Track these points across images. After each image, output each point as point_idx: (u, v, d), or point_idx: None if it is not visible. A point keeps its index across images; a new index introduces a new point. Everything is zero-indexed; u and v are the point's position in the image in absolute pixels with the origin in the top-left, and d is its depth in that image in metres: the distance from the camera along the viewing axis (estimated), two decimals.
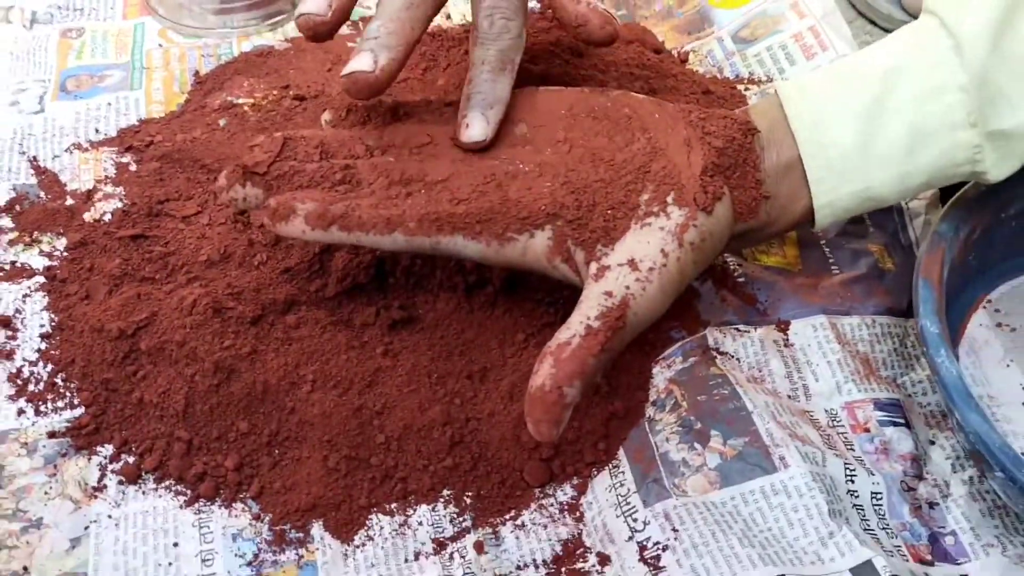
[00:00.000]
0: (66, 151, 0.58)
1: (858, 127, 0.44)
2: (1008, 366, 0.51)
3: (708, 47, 0.64)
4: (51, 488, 0.44)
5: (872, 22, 0.70)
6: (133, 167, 0.57)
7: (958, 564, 0.43)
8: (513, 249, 0.43)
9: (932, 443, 0.47)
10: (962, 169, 0.44)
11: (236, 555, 0.43)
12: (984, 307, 0.53)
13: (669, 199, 0.42)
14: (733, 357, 0.48)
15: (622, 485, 0.44)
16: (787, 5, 0.62)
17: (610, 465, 0.45)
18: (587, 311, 0.40)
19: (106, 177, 0.57)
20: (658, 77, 0.59)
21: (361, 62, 0.43)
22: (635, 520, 0.42)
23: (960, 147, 0.43)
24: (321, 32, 0.45)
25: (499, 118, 0.45)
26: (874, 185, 0.44)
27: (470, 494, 0.45)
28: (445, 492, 0.45)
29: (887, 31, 0.69)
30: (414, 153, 0.45)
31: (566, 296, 0.49)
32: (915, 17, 0.66)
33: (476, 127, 0.45)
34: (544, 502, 0.45)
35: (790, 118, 0.45)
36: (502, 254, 0.43)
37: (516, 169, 0.44)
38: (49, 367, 0.48)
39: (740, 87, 0.61)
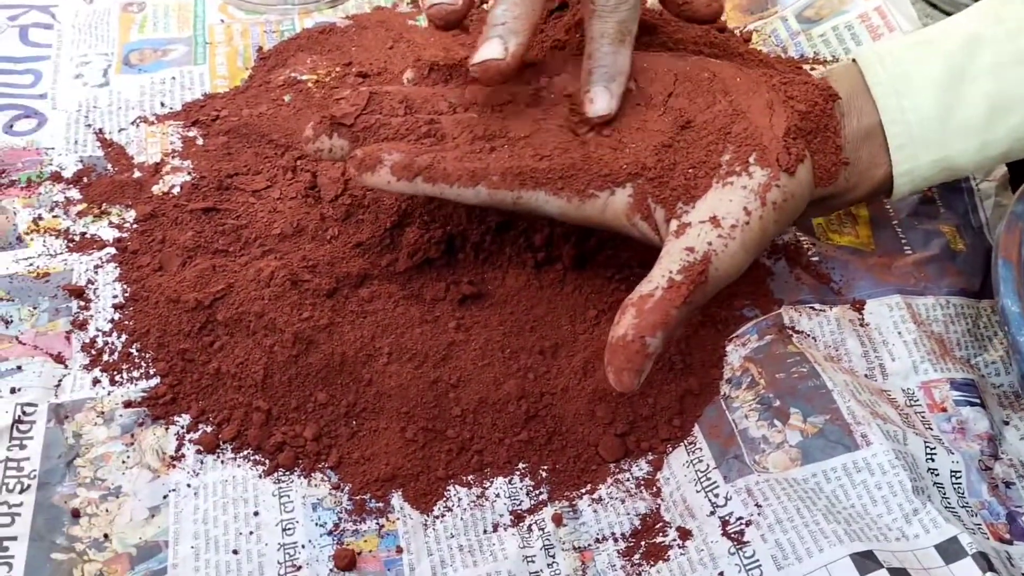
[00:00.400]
0: (132, 124, 0.58)
1: (938, 95, 0.44)
2: None
3: (772, 26, 0.63)
4: (129, 457, 0.45)
5: (934, 5, 0.70)
6: (200, 141, 0.57)
7: None
8: (593, 206, 0.43)
9: (1006, 423, 0.47)
10: None
11: (317, 524, 0.43)
12: None
13: (751, 159, 0.42)
14: (809, 336, 0.48)
15: (700, 461, 0.44)
16: None
17: (686, 441, 0.45)
18: (669, 265, 0.40)
19: (173, 151, 0.57)
20: (724, 55, 0.58)
21: (491, 50, 0.42)
22: (716, 495, 0.42)
23: None
24: (452, 20, 0.44)
25: (622, 90, 0.45)
26: (953, 154, 0.44)
27: (546, 468, 0.45)
28: (521, 465, 0.45)
29: (948, 15, 0.68)
30: (496, 111, 0.45)
31: (636, 274, 0.49)
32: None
33: (601, 101, 0.44)
34: (620, 477, 0.45)
35: (871, 85, 0.45)
36: (582, 211, 0.43)
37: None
38: (123, 337, 0.48)
39: (805, 67, 0.60)
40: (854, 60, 0.46)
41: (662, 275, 0.40)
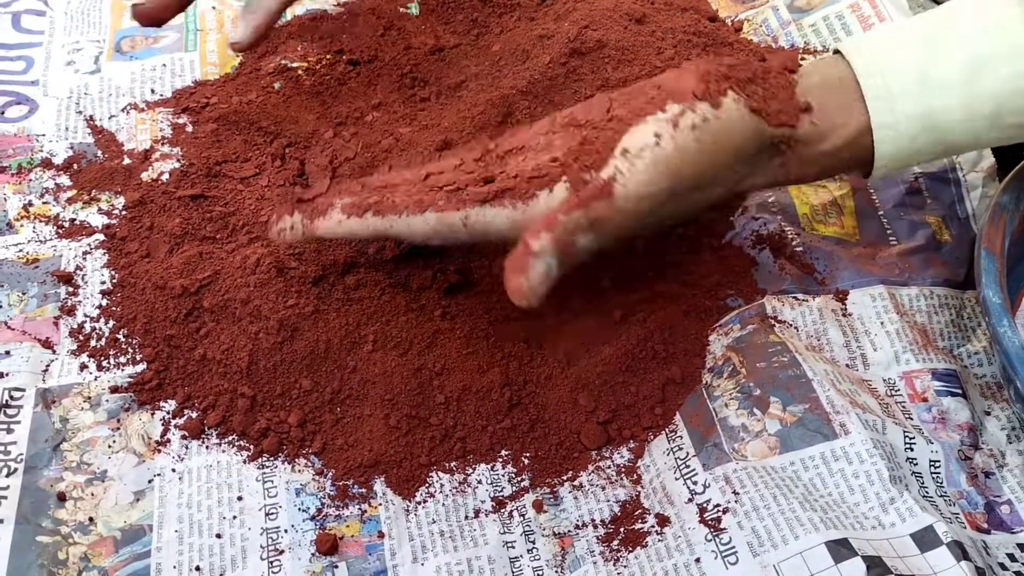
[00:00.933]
0: (122, 111, 0.59)
1: (916, 53, 0.43)
2: None
3: (763, 16, 0.63)
4: (115, 442, 0.45)
5: None
6: (189, 128, 0.57)
7: (1013, 533, 0.43)
8: (537, 206, 0.42)
9: (988, 414, 0.48)
10: None
11: (300, 509, 0.43)
12: None
13: (668, 102, 0.41)
14: (791, 325, 0.48)
15: (680, 449, 0.44)
16: None
17: (667, 429, 0.46)
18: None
19: (163, 138, 0.57)
20: (714, 45, 0.58)
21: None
22: (695, 483, 0.43)
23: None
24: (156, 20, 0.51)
25: (258, 22, 0.54)
26: (937, 110, 0.43)
27: (528, 455, 0.45)
28: (503, 452, 0.46)
29: (940, 3, 0.68)
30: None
31: (619, 264, 0.50)
32: None
33: (239, 29, 0.54)
34: (601, 464, 0.45)
35: (845, 51, 0.44)
36: (528, 214, 0.42)
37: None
38: (111, 323, 0.49)
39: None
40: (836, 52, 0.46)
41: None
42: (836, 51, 0.45)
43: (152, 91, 0.60)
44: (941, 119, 0.43)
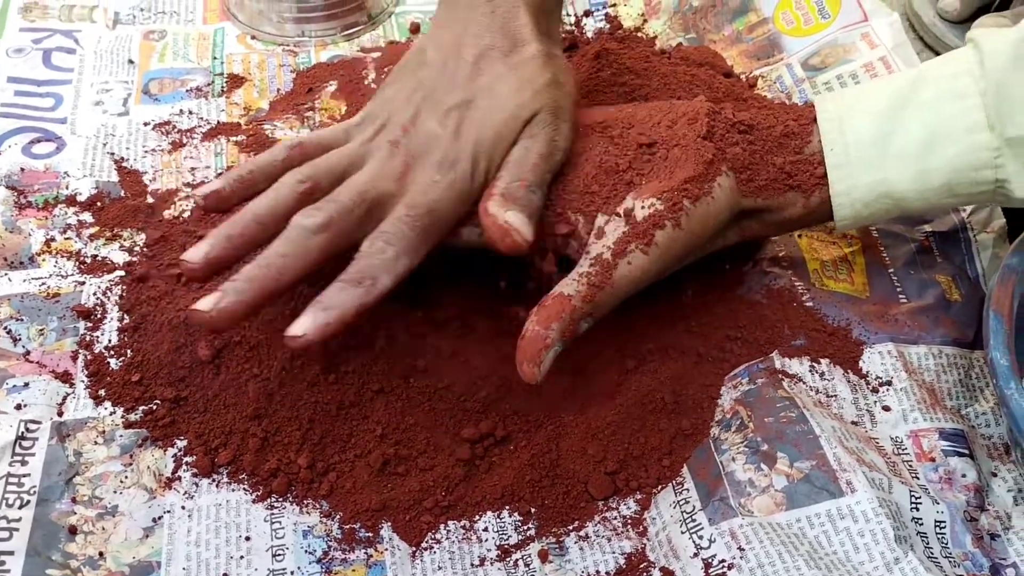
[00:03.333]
0: (148, 153, 0.60)
1: (878, 122, 0.46)
2: None
3: (777, 73, 0.64)
4: (127, 477, 0.46)
5: (940, 55, 0.70)
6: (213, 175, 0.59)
7: None
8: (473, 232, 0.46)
9: (994, 475, 0.48)
10: (984, 174, 0.45)
11: (306, 551, 0.44)
12: None
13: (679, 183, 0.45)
14: (800, 381, 0.48)
15: (687, 502, 0.45)
16: (858, 35, 0.63)
17: (674, 482, 0.46)
18: (577, 269, 0.44)
19: (185, 184, 0.58)
20: (728, 100, 0.59)
21: (205, 301, 0.41)
22: (700, 537, 0.43)
23: (978, 149, 0.44)
24: (194, 278, 0.44)
25: (331, 323, 0.41)
26: (890, 178, 0.46)
27: (535, 503, 0.46)
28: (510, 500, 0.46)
29: None
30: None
31: (645, 313, 0.50)
32: None
33: (297, 323, 0.41)
34: (607, 515, 0.45)
35: (818, 114, 0.47)
36: None
37: None
38: (128, 359, 0.49)
39: None
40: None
41: (568, 279, 0.44)
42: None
43: (178, 132, 0.61)
44: (895, 188, 0.46)
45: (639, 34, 0.69)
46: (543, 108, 0.47)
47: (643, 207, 0.45)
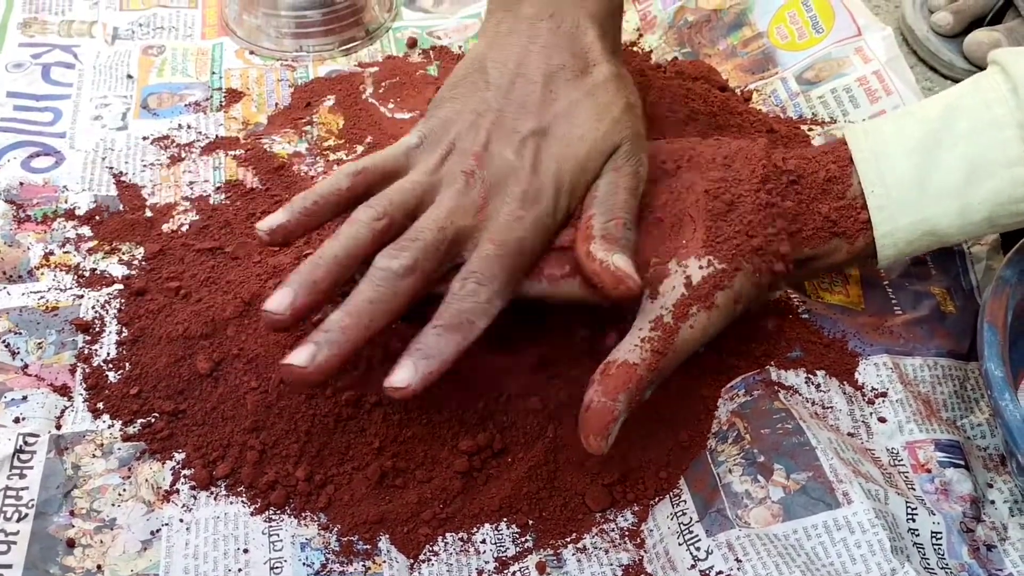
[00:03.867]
0: (146, 167, 0.60)
1: (916, 160, 0.45)
2: None
3: (772, 87, 0.65)
4: (125, 490, 0.46)
5: (933, 69, 0.71)
6: (212, 193, 0.59)
7: None
8: (571, 285, 0.45)
9: (990, 486, 0.48)
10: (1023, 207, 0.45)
11: (304, 564, 0.44)
12: None
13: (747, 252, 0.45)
14: (796, 392, 0.49)
15: (684, 514, 0.45)
16: (852, 49, 0.63)
17: (671, 494, 0.46)
18: (637, 334, 0.43)
19: (184, 196, 0.58)
20: (723, 114, 0.60)
21: (299, 356, 0.40)
22: (698, 549, 0.43)
23: (1018, 183, 0.44)
24: (279, 329, 0.42)
25: (432, 371, 0.41)
26: (932, 217, 0.45)
27: (533, 515, 0.46)
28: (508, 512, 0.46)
29: (948, 78, 0.70)
30: None
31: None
32: (977, 66, 0.67)
33: (402, 373, 0.41)
34: (605, 527, 0.45)
35: (854, 153, 0.46)
36: (562, 290, 0.45)
37: None
38: (126, 372, 0.49)
39: (804, 127, 0.62)
40: (844, 134, 0.48)
41: (629, 344, 0.42)
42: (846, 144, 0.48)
43: (176, 147, 0.61)
44: (938, 225, 0.46)
45: (635, 48, 0.69)
46: (624, 139, 0.46)
47: (700, 267, 0.44)
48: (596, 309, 0.47)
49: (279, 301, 0.41)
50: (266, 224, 0.44)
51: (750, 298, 0.46)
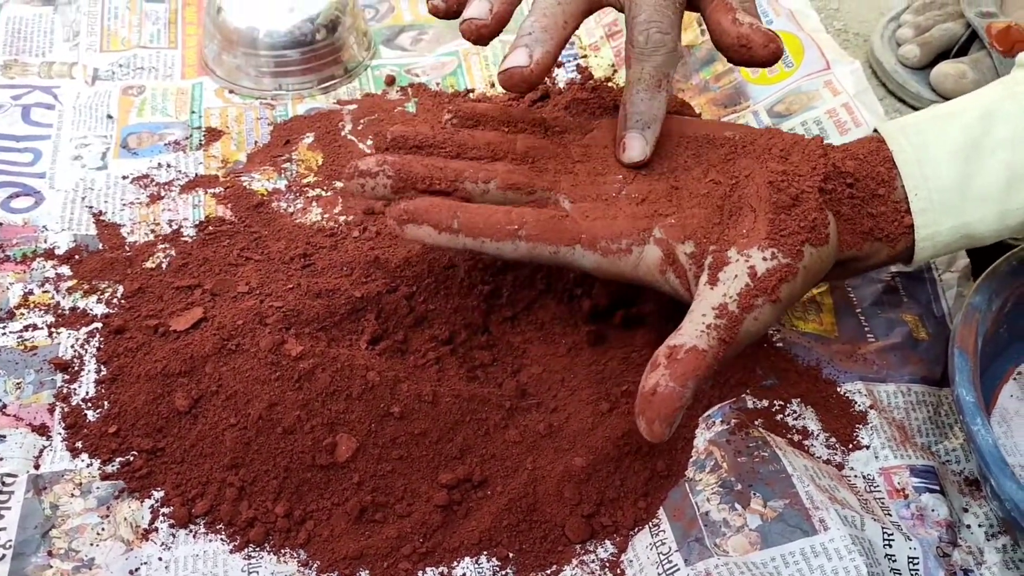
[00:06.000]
0: (126, 206, 0.60)
1: (957, 164, 0.46)
2: None
3: (744, 120, 0.66)
4: (103, 529, 0.46)
5: (902, 100, 0.73)
6: (190, 230, 0.59)
7: None
8: (627, 262, 0.46)
9: (965, 511, 0.48)
10: None
11: None
12: (1015, 378, 0.54)
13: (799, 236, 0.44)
14: (772, 420, 0.49)
15: (663, 544, 0.45)
16: (821, 82, 0.65)
17: (650, 523, 0.46)
18: (701, 320, 0.42)
19: (163, 236, 0.59)
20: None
21: (517, 58, 0.45)
22: None
23: None
24: (483, 35, 0.47)
25: (656, 136, 0.47)
26: (972, 221, 0.46)
27: (512, 548, 0.46)
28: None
29: (916, 109, 0.71)
30: (537, 162, 0.49)
31: (617, 356, 0.51)
32: (944, 97, 0.69)
33: (635, 147, 0.47)
34: (585, 558, 0.46)
35: (894, 153, 0.47)
36: (617, 266, 0.46)
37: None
38: (105, 411, 0.49)
39: None
40: (875, 131, 0.49)
41: (694, 329, 0.42)
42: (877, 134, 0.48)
43: (156, 186, 0.62)
44: (976, 228, 0.47)
45: (609, 84, 0.70)
46: None
47: (764, 258, 0.43)
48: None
49: (478, 8, 0.46)
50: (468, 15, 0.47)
51: (808, 288, 0.46)
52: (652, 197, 0.47)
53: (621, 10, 0.48)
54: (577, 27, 0.48)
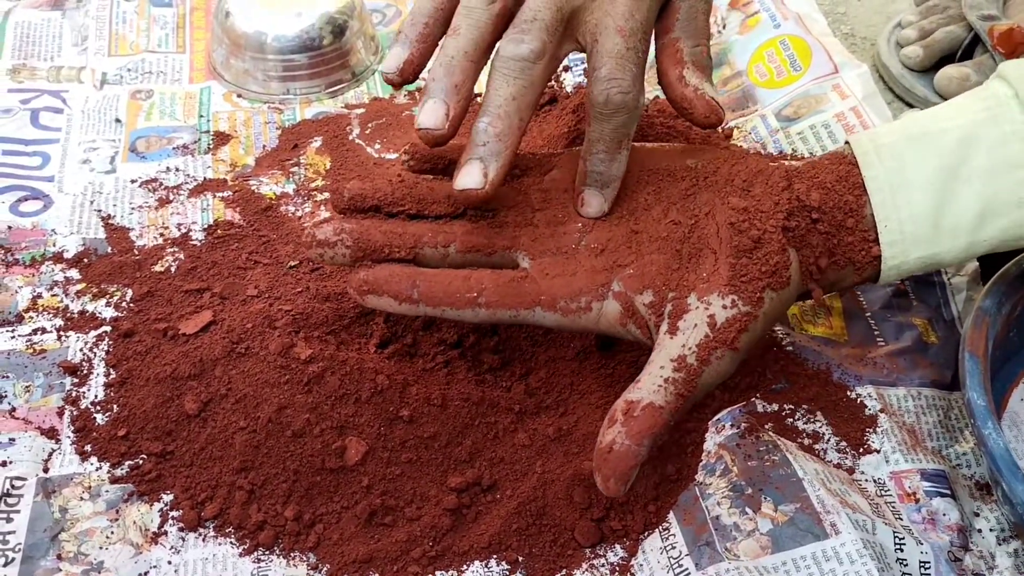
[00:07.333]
0: (135, 210, 0.61)
1: (931, 194, 0.44)
2: None
3: (752, 124, 0.66)
4: (112, 532, 0.45)
5: (909, 104, 0.73)
6: (198, 234, 0.59)
7: None
8: (588, 318, 0.46)
9: (977, 515, 0.48)
10: None
11: None
12: None
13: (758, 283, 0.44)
14: (782, 423, 0.49)
15: (673, 548, 0.45)
16: (829, 86, 0.65)
17: (660, 527, 0.46)
18: (659, 373, 0.42)
19: (172, 239, 0.59)
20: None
21: (471, 176, 0.43)
22: None
23: None
24: (441, 142, 0.44)
25: (615, 192, 0.46)
26: (941, 252, 0.46)
27: (522, 552, 0.46)
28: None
29: None
30: (494, 218, 0.48)
31: (626, 360, 0.51)
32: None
33: (593, 204, 0.46)
34: (595, 562, 0.45)
35: (866, 178, 0.46)
36: (578, 323, 0.46)
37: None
38: (114, 414, 0.49)
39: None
40: (847, 143, 0.47)
41: (652, 384, 0.42)
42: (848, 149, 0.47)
43: (165, 190, 0.62)
44: (943, 259, 0.46)
45: None
46: None
47: (724, 306, 0.43)
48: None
49: (433, 116, 0.42)
50: (390, 65, 0.45)
51: (768, 329, 0.46)
52: (611, 246, 0.46)
53: (583, 51, 0.46)
54: (532, 116, 0.45)
